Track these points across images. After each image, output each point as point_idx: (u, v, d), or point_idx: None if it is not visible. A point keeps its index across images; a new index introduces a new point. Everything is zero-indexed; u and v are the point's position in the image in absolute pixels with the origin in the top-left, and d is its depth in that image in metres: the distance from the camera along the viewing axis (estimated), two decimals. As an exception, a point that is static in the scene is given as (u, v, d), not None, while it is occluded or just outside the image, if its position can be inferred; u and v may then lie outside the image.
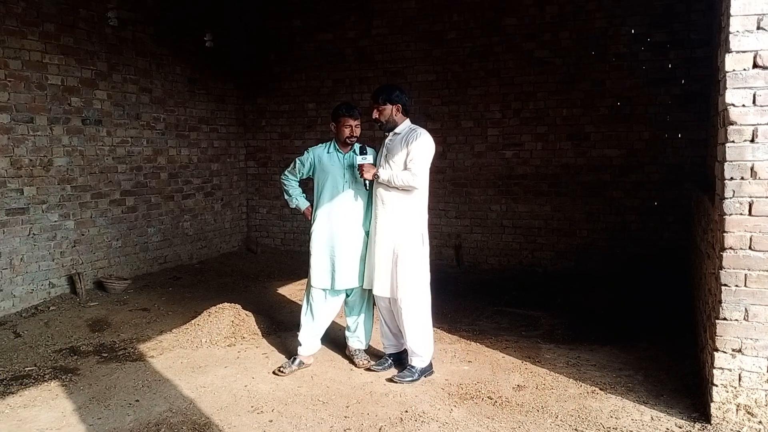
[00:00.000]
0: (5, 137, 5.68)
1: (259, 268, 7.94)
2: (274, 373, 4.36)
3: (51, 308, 5.93)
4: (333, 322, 4.70)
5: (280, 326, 5.37)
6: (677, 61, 6.83)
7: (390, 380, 4.23)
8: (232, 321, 5.17)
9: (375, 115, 4.27)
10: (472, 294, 6.61)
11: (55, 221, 6.20)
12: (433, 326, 4.42)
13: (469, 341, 5.03)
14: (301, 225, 8.54)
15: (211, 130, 8.41)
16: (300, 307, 4.61)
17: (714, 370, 3.42)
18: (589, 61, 7.16)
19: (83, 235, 6.51)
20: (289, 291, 6.56)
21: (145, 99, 7.27)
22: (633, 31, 6.95)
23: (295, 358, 4.46)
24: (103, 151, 6.73)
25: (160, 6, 7.45)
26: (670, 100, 6.89)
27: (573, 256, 7.42)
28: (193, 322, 5.27)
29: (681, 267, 6.71)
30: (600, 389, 4.04)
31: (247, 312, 5.36)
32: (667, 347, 4.76)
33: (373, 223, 4.32)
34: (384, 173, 4.16)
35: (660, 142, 6.98)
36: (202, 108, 8.24)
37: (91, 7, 6.52)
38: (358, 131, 4.40)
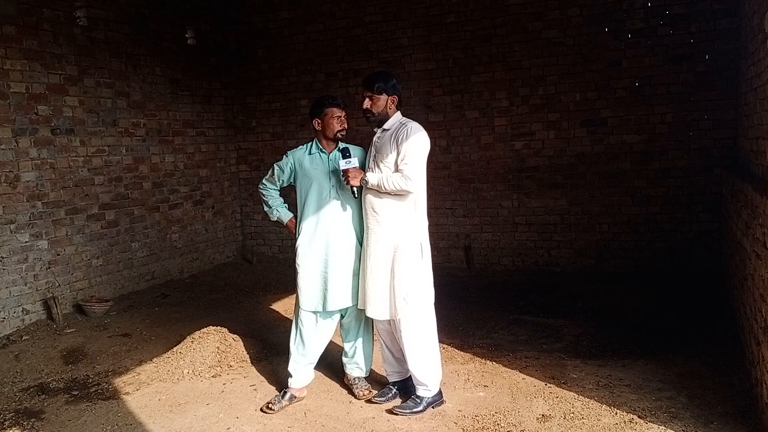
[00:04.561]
0: (-37, 153, 5.17)
1: (254, 280, 7.39)
2: (261, 410, 3.83)
3: (24, 338, 5.41)
4: (330, 341, 4.16)
5: (272, 350, 4.82)
6: (700, 34, 6.22)
7: (390, 412, 3.70)
8: (218, 347, 4.63)
9: (366, 104, 3.71)
10: (484, 300, 6.06)
11: (26, 242, 5.67)
12: (444, 341, 3.90)
13: (484, 360, 4.46)
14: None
15: (197, 133, 7.85)
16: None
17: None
18: (603, 39, 6.54)
19: (59, 255, 5.97)
20: (284, 306, 6.01)
21: (122, 104, 6.71)
22: (649, 3, 6.33)
23: (285, 392, 3.91)
24: (77, 162, 6.18)
25: (135, 2, 6.88)
26: (694, 78, 6.28)
27: (593, 254, 6.82)
28: (175, 349, 4.74)
29: (714, 261, 6.14)
30: (639, 417, 3.50)
31: (234, 336, 4.82)
32: (709, 359, 4.24)
33: (366, 236, 3.75)
34: (373, 177, 3.59)
35: (684, 124, 6.36)
36: (187, 110, 7.68)
37: (57, 6, 5.96)
38: (346, 124, 3.92)
